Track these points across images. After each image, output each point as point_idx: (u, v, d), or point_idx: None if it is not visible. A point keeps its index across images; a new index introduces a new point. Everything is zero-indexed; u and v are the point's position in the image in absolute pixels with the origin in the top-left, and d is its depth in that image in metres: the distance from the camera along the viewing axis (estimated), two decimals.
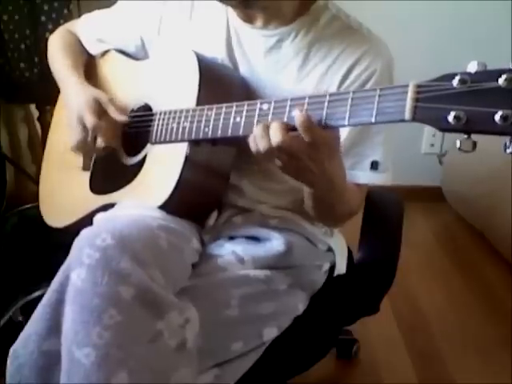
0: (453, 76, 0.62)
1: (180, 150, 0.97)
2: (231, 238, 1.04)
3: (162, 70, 1.08)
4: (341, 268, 1.14)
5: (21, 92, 1.80)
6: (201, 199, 1.03)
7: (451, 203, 2.58)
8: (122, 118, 1.06)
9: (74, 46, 1.26)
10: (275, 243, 1.01)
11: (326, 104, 0.74)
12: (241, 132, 0.85)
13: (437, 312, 1.91)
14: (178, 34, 1.09)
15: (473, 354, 1.70)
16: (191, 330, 0.84)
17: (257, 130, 0.78)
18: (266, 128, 0.77)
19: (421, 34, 2.49)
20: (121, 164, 1.11)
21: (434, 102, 0.63)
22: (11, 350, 0.85)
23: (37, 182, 1.37)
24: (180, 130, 0.96)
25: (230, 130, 0.86)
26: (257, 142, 0.79)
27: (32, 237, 1.55)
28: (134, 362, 0.77)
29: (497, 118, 0.59)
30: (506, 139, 0.61)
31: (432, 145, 2.72)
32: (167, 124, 0.99)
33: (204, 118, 0.91)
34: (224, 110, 0.87)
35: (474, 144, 0.63)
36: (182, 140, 0.96)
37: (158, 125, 1.02)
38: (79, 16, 1.62)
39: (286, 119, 0.78)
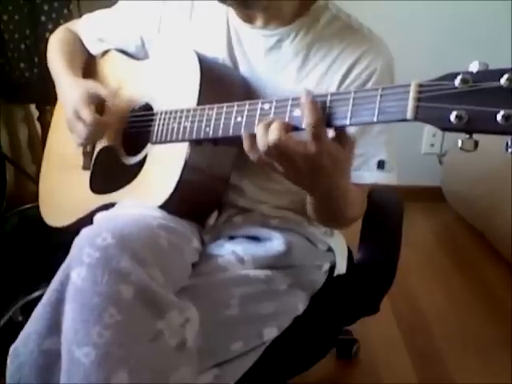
0: (455, 75, 0.62)
1: (181, 150, 0.96)
2: (231, 238, 1.04)
3: (163, 69, 1.08)
4: (341, 268, 1.15)
5: (21, 92, 1.80)
6: (201, 199, 1.03)
7: (451, 203, 2.58)
8: (121, 107, 1.05)
9: (73, 45, 1.26)
10: (275, 243, 1.01)
11: (327, 104, 0.74)
12: (242, 132, 0.84)
13: (437, 312, 1.91)
14: (178, 33, 1.09)
15: (473, 354, 1.70)
16: (191, 329, 0.84)
17: (258, 128, 0.78)
18: (267, 126, 0.77)
19: (421, 33, 2.49)
20: (121, 164, 1.11)
21: (436, 102, 0.63)
22: (11, 349, 0.85)
23: (37, 182, 1.37)
24: (181, 129, 0.96)
25: (231, 130, 0.86)
26: (257, 141, 0.78)
27: (32, 237, 1.55)
28: (134, 361, 0.77)
29: (499, 117, 0.59)
30: (508, 139, 0.61)
31: (432, 145, 2.72)
32: (168, 124, 0.99)
33: (205, 118, 0.91)
34: (225, 109, 0.87)
35: (476, 143, 0.63)
36: (183, 140, 0.96)
37: (158, 124, 1.02)
38: (79, 16, 1.62)
39: (287, 119, 0.78)
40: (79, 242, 0.82)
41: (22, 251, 1.54)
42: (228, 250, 0.99)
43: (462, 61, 0.67)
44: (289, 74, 1.01)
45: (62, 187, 1.26)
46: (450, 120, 0.62)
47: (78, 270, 0.79)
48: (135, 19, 1.14)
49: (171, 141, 0.98)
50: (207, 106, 0.91)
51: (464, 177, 2.44)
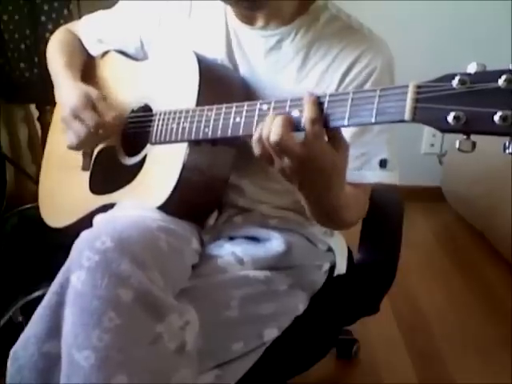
0: (452, 76, 0.62)
1: (180, 151, 0.96)
2: (231, 239, 1.04)
3: (162, 70, 1.08)
4: (341, 268, 1.14)
5: (21, 92, 1.80)
6: (201, 199, 1.03)
7: (451, 203, 2.58)
8: (111, 120, 1.05)
9: (72, 46, 1.26)
10: (275, 243, 1.01)
11: (325, 104, 0.74)
12: (241, 132, 0.84)
13: (437, 312, 1.91)
14: (177, 34, 1.09)
15: (473, 354, 1.70)
16: (191, 332, 0.84)
17: (267, 120, 0.77)
18: (273, 119, 0.76)
19: (421, 34, 2.49)
20: (120, 164, 1.11)
21: (434, 103, 0.63)
22: (11, 352, 0.85)
23: (37, 182, 1.37)
24: (180, 130, 0.96)
25: (229, 131, 0.86)
26: (260, 132, 0.77)
27: (32, 237, 1.55)
28: (134, 364, 0.77)
29: (496, 118, 0.59)
30: (506, 140, 0.61)
31: (432, 145, 2.73)
32: (167, 124, 0.99)
33: (204, 119, 0.91)
34: (224, 110, 0.87)
35: (474, 144, 0.63)
36: (182, 140, 0.96)
37: (157, 125, 1.02)
38: (79, 16, 1.62)
39: None
40: (79, 245, 0.82)
41: (21, 251, 1.54)
42: (228, 251, 0.99)
43: (462, 61, 0.67)
44: (289, 74, 1.00)
45: (62, 188, 1.26)
46: (447, 121, 0.62)
47: (77, 273, 0.79)
48: (134, 20, 1.14)
49: (170, 141, 0.98)
50: (206, 107, 0.91)
51: (464, 177, 2.44)
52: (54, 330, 0.81)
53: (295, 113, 0.76)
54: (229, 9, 1.04)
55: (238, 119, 0.84)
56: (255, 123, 0.81)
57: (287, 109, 0.77)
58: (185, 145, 0.96)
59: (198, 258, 0.98)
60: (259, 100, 0.83)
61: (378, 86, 0.70)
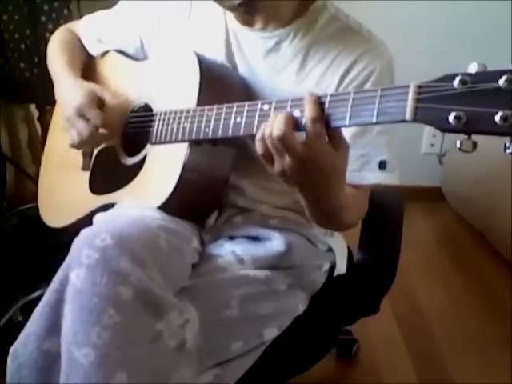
0: (453, 77, 0.62)
1: (180, 151, 0.96)
2: (231, 238, 1.04)
3: (163, 70, 1.08)
4: (341, 268, 1.14)
5: (21, 92, 1.80)
6: (201, 199, 1.03)
7: (451, 203, 2.58)
8: (115, 118, 1.06)
9: (72, 45, 1.26)
10: (275, 243, 1.01)
11: (326, 104, 0.74)
12: (241, 132, 0.84)
13: (437, 312, 1.91)
14: (177, 34, 1.09)
15: (473, 354, 1.70)
16: (191, 330, 0.84)
17: (270, 118, 0.77)
18: (275, 117, 0.76)
19: (420, 34, 2.49)
20: (120, 164, 1.11)
21: (435, 103, 0.63)
22: (11, 350, 0.85)
23: (37, 182, 1.37)
24: (180, 130, 0.96)
25: (230, 131, 0.86)
26: (263, 131, 0.77)
27: (32, 237, 1.55)
28: (134, 362, 0.77)
29: (497, 118, 0.59)
30: (506, 140, 0.61)
31: (432, 145, 2.72)
32: (167, 124, 0.99)
33: (204, 119, 0.91)
34: (225, 110, 0.87)
35: (475, 144, 0.63)
36: (183, 140, 0.96)
37: (158, 125, 1.02)
38: (79, 16, 1.62)
39: None
40: (78, 243, 0.82)
41: (21, 251, 1.54)
42: (228, 251, 0.99)
43: (462, 61, 0.67)
44: (288, 75, 1.00)
45: (62, 188, 1.26)
46: (448, 121, 0.62)
47: (77, 271, 0.79)
48: (134, 20, 1.14)
49: (170, 141, 0.98)
50: (206, 107, 0.91)
51: (464, 177, 2.44)
52: (53, 327, 0.81)
53: (296, 113, 0.76)
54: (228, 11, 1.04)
55: (238, 119, 0.84)
56: (256, 123, 0.81)
57: (288, 109, 0.78)
58: (185, 145, 0.96)
59: (198, 257, 0.98)
60: (259, 100, 0.83)
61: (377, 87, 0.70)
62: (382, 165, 0.97)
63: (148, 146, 1.05)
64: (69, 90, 1.12)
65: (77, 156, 1.18)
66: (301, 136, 0.75)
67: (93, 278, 0.77)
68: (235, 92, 1.00)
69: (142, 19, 1.13)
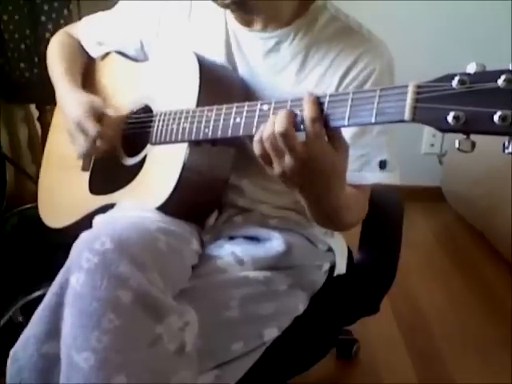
0: (452, 77, 0.62)
1: (180, 151, 0.96)
2: (231, 239, 1.04)
3: (163, 71, 1.08)
4: (341, 268, 1.14)
5: (21, 92, 1.79)
6: (200, 199, 1.03)
7: (451, 203, 2.58)
8: (113, 128, 1.06)
9: (72, 47, 1.26)
10: (275, 243, 1.01)
11: (325, 104, 0.74)
12: (241, 132, 0.84)
13: (437, 312, 1.91)
14: (177, 35, 1.09)
15: (473, 354, 1.70)
16: (190, 333, 0.84)
17: (270, 118, 0.77)
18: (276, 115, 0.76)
19: (420, 34, 2.49)
20: (120, 164, 1.11)
21: (434, 103, 0.63)
22: (11, 352, 0.85)
23: (37, 182, 1.37)
24: (180, 130, 0.96)
25: (230, 131, 0.86)
26: (262, 131, 0.77)
27: (32, 237, 1.55)
28: (133, 366, 0.77)
29: (496, 118, 0.59)
30: (505, 139, 0.61)
31: (432, 145, 2.72)
32: (167, 125, 0.99)
33: (204, 119, 0.91)
34: (224, 110, 0.87)
35: (473, 144, 0.63)
36: (182, 141, 0.96)
37: (158, 126, 1.02)
38: (79, 16, 1.62)
39: None
40: (78, 247, 0.82)
41: (21, 251, 1.54)
42: (227, 251, 0.99)
43: (462, 61, 0.67)
44: (288, 76, 1.00)
45: (61, 188, 1.26)
46: (447, 121, 0.62)
47: (76, 274, 0.79)
48: (134, 22, 1.14)
49: (170, 142, 0.98)
50: (206, 108, 0.91)
51: (464, 177, 2.44)
52: (53, 330, 0.81)
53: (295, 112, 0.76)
54: (228, 11, 1.04)
55: (238, 119, 0.84)
56: (255, 124, 0.81)
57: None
58: (185, 145, 0.96)
59: (198, 258, 0.98)
60: (259, 101, 0.83)
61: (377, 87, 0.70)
62: (383, 164, 0.97)
63: (148, 146, 1.06)
64: (69, 103, 1.12)
65: (77, 157, 1.18)
66: (300, 137, 0.75)
67: (93, 282, 0.77)
68: (235, 93, 1.00)
69: (142, 20, 1.13)
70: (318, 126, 0.73)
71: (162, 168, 1.01)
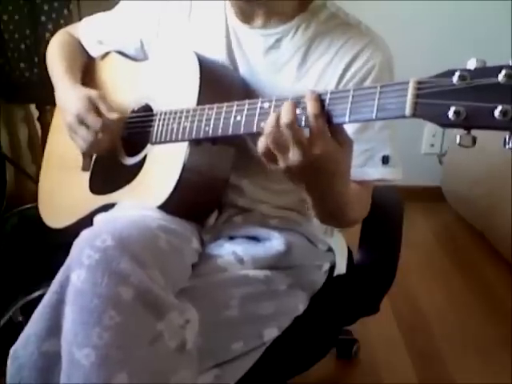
0: (453, 72, 0.63)
1: (180, 150, 0.96)
2: (231, 238, 1.04)
3: (163, 70, 1.08)
4: (341, 268, 1.14)
5: (21, 92, 1.80)
6: (201, 199, 1.03)
7: (451, 203, 2.58)
8: (113, 115, 1.06)
9: (72, 46, 1.26)
10: (275, 243, 1.01)
11: (327, 101, 0.74)
12: (242, 131, 0.85)
13: (437, 312, 1.91)
14: (177, 34, 1.09)
15: (473, 354, 1.70)
16: (191, 330, 0.84)
17: (270, 118, 0.76)
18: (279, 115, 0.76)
19: (421, 34, 2.49)
20: (121, 164, 1.11)
21: (434, 98, 0.63)
22: (11, 351, 0.85)
23: (37, 182, 1.37)
24: (180, 129, 0.96)
25: (230, 129, 0.86)
26: (267, 128, 0.76)
27: (32, 237, 1.55)
28: (134, 362, 0.77)
29: (496, 113, 0.59)
30: (506, 134, 0.61)
31: (432, 145, 2.72)
32: (167, 124, 0.99)
33: (205, 118, 0.91)
34: (225, 109, 0.87)
35: (474, 139, 0.63)
36: (183, 140, 0.96)
37: (158, 125, 1.02)
38: (79, 16, 1.62)
39: None
40: (79, 244, 0.82)
41: (21, 251, 1.54)
42: (228, 251, 0.99)
43: (463, 61, 0.67)
44: (289, 71, 1.00)
45: (62, 188, 1.26)
46: (448, 116, 0.62)
47: (77, 271, 0.79)
48: (134, 22, 1.14)
49: (171, 141, 0.98)
50: (207, 106, 0.91)
51: (464, 177, 2.44)
52: (54, 328, 0.81)
53: (297, 110, 0.76)
54: (229, 8, 1.04)
55: (238, 118, 0.85)
56: (256, 121, 0.81)
57: None
58: (185, 145, 0.96)
59: (198, 257, 0.98)
60: (259, 99, 0.83)
61: (378, 83, 0.70)
62: (385, 160, 0.96)
63: (148, 145, 1.06)
64: (68, 98, 1.12)
65: (77, 157, 1.18)
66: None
67: (93, 279, 0.77)
68: (235, 92, 1.00)
69: (142, 20, 1.13)
70: (321, 121, 0.73)
71: (162, 168, 1.01)
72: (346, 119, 0.73)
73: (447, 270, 2.20)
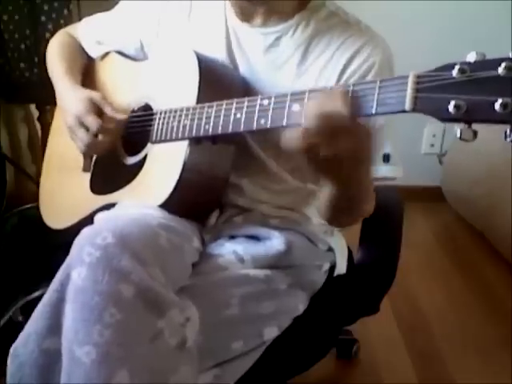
0: (452, 66, 0.63)
1: (180, 149, 0.97)
2: (232, 238, 1.04)
3: (162, 70, 1.08)
4: (341, 268, 1.14)
5: (21, 92, 1.80)
6: (201, 198, 1.03)
7: (451, 203, 2.58)
8: (119, 115, 1.06)
9: (72, 47, 1.26)
10: (275, 242, 1.01)
11: None
12: (242, 128, 0.85)
13: (437, 312, 1.91)
14: (177, 34, 1.09)
15: (473, 354, 1.70)
16: (192, 328, 0.84)
17: (309, 107, 0.73)
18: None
19: (422, 33, 2.49)
20: (121, 164, 1.11)
21: (434, 92, 0.63)
22: (12, 349, 0.85)
23: (37, 182, 1.37)
24: (180, 128, 0.96)
25: (230, 127, 0.86)
26: (306, 121, 0.72)
27: (32, 237, 1.55)
28: (135, 360, 0.77)
29: (497, 106, 0.59)
30: (506, 128, 0.61)
31: (432, 145, 2.72)
32: (167, 123, 0.99)
33: (204, 116, 0.91)
34: (224, 106, 0.88)
35: (475, 133, 0.63)
36: (183, 138, 0.96)
37: (158, 124, 1.02)
38: (79, 16, 1.62)
39: (286, 114, 0.78)
40: (80, 242, 0.82)
41: (21, 251, 1.54)
42: (228, 250, 0.99)
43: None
44: (289, 69, 1.00)
45: (63, 189, 1.26)
46: (448, 110, 0.62)
47: (78, 269, 0.79)
48: (134, 21, 1.15)
49: (171, 139, 0.99)
50: (206, 104, 0.91)
51: (464, 177, 2.43)
52: (54, 326, 0.81)
53: (295, 107, 0.76)
54: (228, 8, 1.04)
55: (238, 115, 0.85)
56: (256, 119, 0.81)
57: (288, 103, 0.78)
58: (185, 144, 0.96)
59: (199, 256, 0.98)
60: (259, 96, 0.83)
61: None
62: (386, 158, 0.97)
63: (148, 145, 1.06)
64: (69, 99, 1.12)
65: (77, 157, 1.18)
66: None
67: (94, 276, 0.77)
68: (235, 90, 1.00)
69: (142, 20, 1.13)
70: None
71: (163, 167, 1.01)
72: None
73: (447, 270, 2.19)
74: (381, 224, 1.23)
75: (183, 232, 0.95)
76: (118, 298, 0.77)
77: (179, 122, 0.96)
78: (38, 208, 1.33)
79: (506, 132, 0.61)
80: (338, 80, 0.97)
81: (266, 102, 0.81)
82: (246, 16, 1.02)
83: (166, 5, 1.10)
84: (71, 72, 1.19)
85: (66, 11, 1.73)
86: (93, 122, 1.05)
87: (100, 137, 1.06)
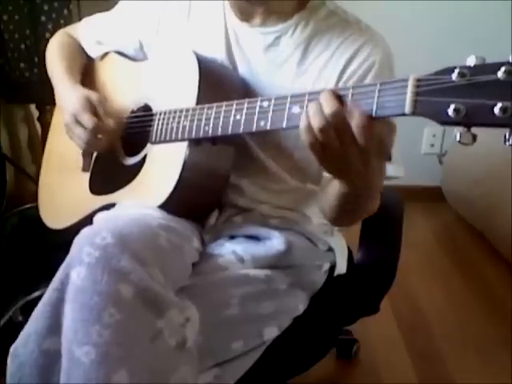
0: (452, 69, 0.63)
1: (180, 150, 0.97)
2: (231, 238, 1.04)
3: (162, 70, 1.08)
4: (341, 268, 1.14)
5: (21, 92, 1.79)
6: (201, 199, 1.03)
7: (451, 203, 2.58)
8: (109, 121, 1.06)
9: (72, 47, 1.26)
10: (275, 242, 1.01)
11: None
12: (241, 130, 0.85)
13: (437, 312, 1.91)
14: (177, 34, 1.09)
15: (473, 354, 1.70)
16: (192, 328, 0.84)
17: (310, 108, 0.74)
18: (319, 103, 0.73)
19: (421, 33, 2.49)
20: (120, 164, 1.11)
21: (434, 96, 0.64)
22: (11, 349, 0.85)
23: (37, 182, 1.37)
24: (180, 129, 0.96)
25: (230, 128, 0.86)
26: (310, 121, 0.73)
27: (32, 237, 1.55)
28: (134, 360, 0.77)
29: (496, 110, 0.59)
30: (506, 131, 0.61)
31: (432, 145, 2.72)
32: (167, 124, 0.99)
33: (204, 117, 0.91)
34: (224, 108, 0.88)
35: (474, 137, 0.63)
36: (182, 139, 0.96)
37: (157, 124, 1.02)
38: (79, 16, 1.62)
39: (286, 116, 0.78)
40: (79, 241, 0.82)
41: (21, 251, 1.54)
42: (228, 250, 0.99)
43: (463, 61, 0.67)
44: (288, 69, 1.00)
45: (62, 189, 1.26)
46: (448, 113, 0.62)
47: (77, 269, 0.79)
48: (133, 21, 1.14)
49: (171, 140, 0.99)
50: (206, 105, 0.91)
51: (464, 177, 2.43)
52: (54, 326, 0.81)
53: (295, 109, 0.76)
54: (228, 8, 1.04)
55: (238, 116, 0.85)
56: (256, 120, 0.81)
57: (288, 105, 0.78)
58: (185, 144, 0.96)
59: (199, 256, 0.98)
60: (259, 97, 0.83)
61: (377, 80, 0.70)
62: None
63: (148, 145, 1.06)
64: (68, 98, 1.12)
65: (77, 157, 1.18)
66: None
67: (93, 276, 0.77)
68: (235, 90, 1.00)
69: (141, 20, 1.13)
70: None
71: (162, 167, 1.01)
72: None
73: (447, 270, 2.19)
74: (381, 224, 1.23)
75: (183, 232, 0.95)
76: (117, 298, 0.77)
77: (179, 122, 0.96)
78: (37, 208, 1.32)
79: (505, 136, 0.61)
80: (339, 79, 0.97)
81: (265, 103, 0.81)
82: (245, 16, 1.02)
83: (166, 5, 1.10)
84: (71, 72, 1.19)
85: (66, 11, 1.73)
86: (88, 120, 1.05)
87: (97, 135, 1.06)
